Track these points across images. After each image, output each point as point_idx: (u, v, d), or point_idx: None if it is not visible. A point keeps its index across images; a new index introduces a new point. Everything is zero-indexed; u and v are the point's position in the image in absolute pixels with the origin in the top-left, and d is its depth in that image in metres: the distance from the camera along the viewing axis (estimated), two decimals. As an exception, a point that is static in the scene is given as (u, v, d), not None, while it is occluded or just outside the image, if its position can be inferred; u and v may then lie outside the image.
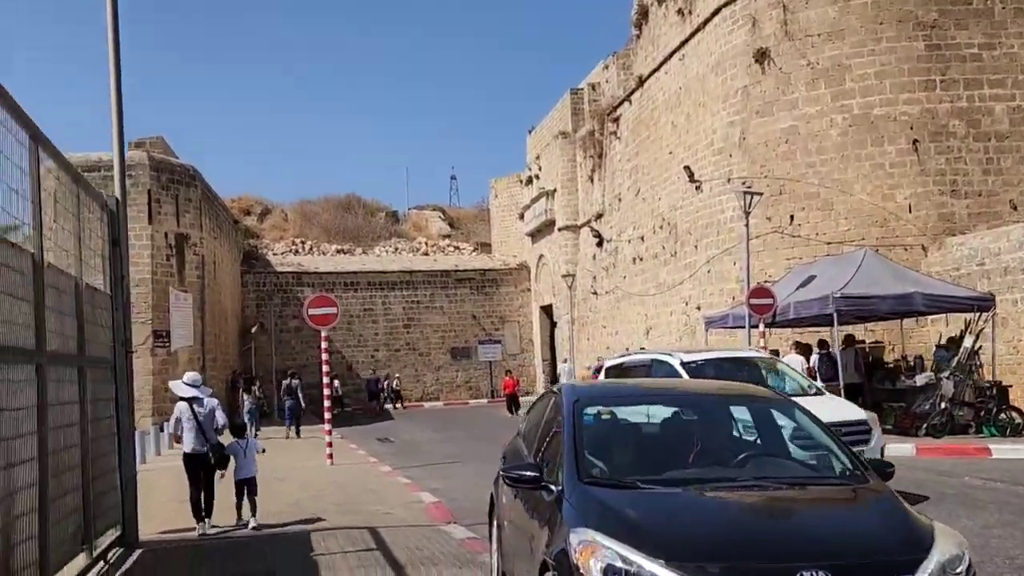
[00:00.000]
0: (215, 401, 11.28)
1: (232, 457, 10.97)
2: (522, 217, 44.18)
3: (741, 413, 5.74)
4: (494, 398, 42.52)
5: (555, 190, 38.49)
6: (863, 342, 19.95)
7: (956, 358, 16.77)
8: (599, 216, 34.44)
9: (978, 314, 16.85)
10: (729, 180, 23.03)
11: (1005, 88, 20.66)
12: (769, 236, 21.67)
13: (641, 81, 29.71)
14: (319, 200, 55.24)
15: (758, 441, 5.53)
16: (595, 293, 35.24)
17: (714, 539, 4.13)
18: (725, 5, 23.53)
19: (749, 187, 19.62)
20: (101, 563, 8.39)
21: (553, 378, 39.47)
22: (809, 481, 4.92)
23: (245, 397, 26.67)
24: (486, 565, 7.83)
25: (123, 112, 9.58)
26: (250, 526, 10.73)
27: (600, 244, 34.46)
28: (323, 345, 17.62)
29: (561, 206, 37.93)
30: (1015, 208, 20.41)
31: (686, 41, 25.90)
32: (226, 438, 11.33)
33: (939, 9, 20.70)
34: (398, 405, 40.34)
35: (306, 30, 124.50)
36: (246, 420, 21.36)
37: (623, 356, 12.70)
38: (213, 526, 10.76)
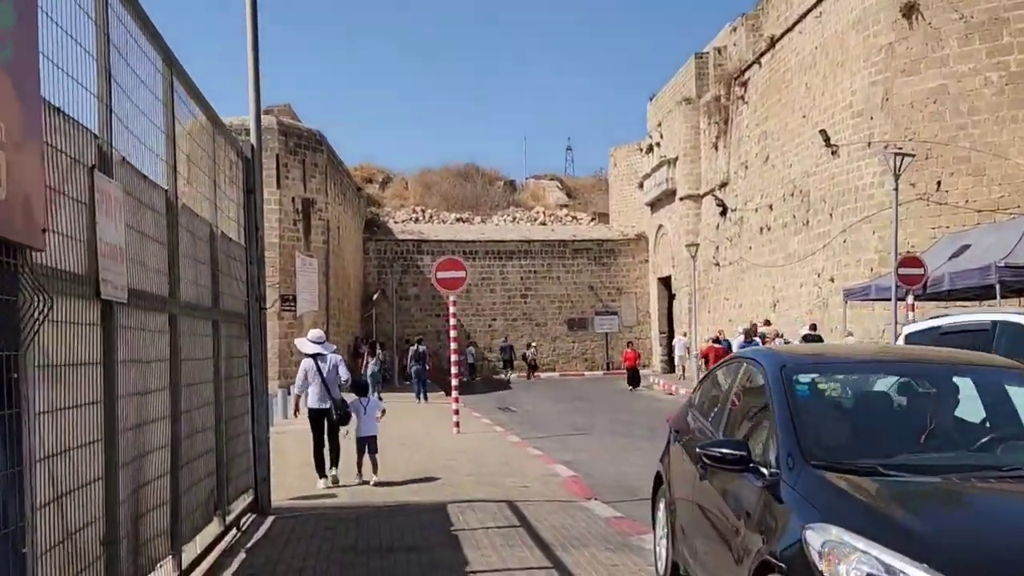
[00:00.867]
0: (338, 357, 11.51)
1: (353, 415, 11.12)
2: (641, 186, 43.17)
3: (964, 385, 4.86)
4: (609, 370, 42.04)
5: (677, 158, 37.36)
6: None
7: None
8: (723, 184, 33.27)
9: None
10: (870, 144, 21.72)
11: None
12: (913, 204, 20.32)
13: (773, 42, 28.34)
14: (439, 169, 55.97)
15: (987, 420, 4.71)
16: (717, 264, 34.15)
17: (1016, 551, 3.31)
18: (869, -43, 22.10)
19: (900, 148, 18.39)
20: (234, 531, 8.00)
21: (669, 351, 38.62)
22: None
23: (370, 360, 26.86)
24: (641, 549, 7.28)
25: (260, 56, 9.13)
26: (371, 483, 10.99)
27: (724, 213, 33.30)
28: (451, 310, 17.09)
29: (683, 175, 36.81)
30: None
31: (824, -3, 24.53)
32: (348, 396, 11.40)
33: (1114, -47, 18.89)
34: (534, 375, 40.20)
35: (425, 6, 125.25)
36: (368, 380, 21.59)
37: (936, 318, 9.86)
38: (336, 478, 11.01)
